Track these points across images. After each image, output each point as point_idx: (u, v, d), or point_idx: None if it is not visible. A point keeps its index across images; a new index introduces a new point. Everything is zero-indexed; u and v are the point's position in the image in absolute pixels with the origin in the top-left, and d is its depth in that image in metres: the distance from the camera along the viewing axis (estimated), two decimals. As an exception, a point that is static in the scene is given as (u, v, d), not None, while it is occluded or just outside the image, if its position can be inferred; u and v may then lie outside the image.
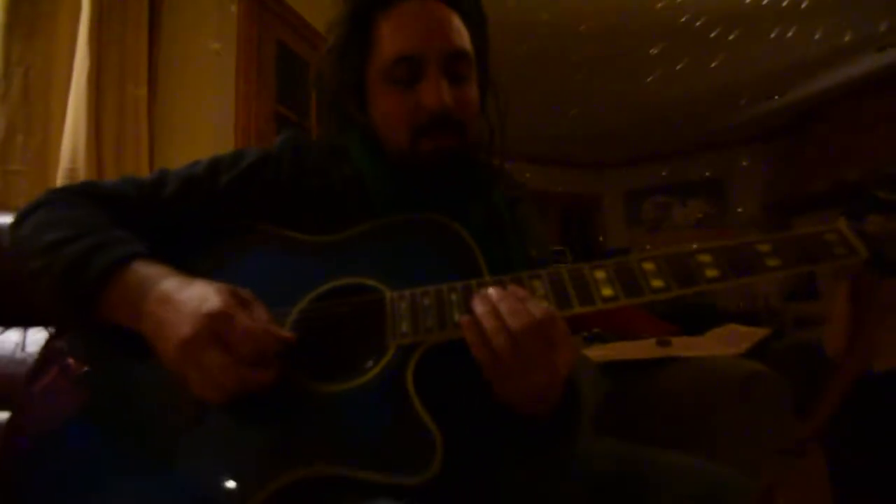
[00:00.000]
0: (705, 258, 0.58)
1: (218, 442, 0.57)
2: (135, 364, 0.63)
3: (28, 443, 0.62)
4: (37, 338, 1.05)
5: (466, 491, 0.63)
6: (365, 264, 0.67)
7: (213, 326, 0.54)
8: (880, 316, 0.53)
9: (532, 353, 0.54)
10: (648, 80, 4.31)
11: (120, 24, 1.73)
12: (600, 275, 0.59)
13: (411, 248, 0.68)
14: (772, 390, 1.08)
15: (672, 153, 6.06)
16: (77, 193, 0.70)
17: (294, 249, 0.71)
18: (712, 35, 3.69)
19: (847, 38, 3.80)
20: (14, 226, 0.67)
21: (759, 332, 1.47)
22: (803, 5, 3.38)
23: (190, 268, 0.63)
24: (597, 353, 1.40)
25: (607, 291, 0.58)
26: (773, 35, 3.71)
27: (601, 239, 6.24)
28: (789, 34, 3.70)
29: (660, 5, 3.34)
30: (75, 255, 0.60)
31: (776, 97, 4.80)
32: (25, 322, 1.06)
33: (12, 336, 1.04)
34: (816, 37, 3.74)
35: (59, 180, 1.51)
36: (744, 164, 5.83)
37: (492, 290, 0.57)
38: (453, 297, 0.60)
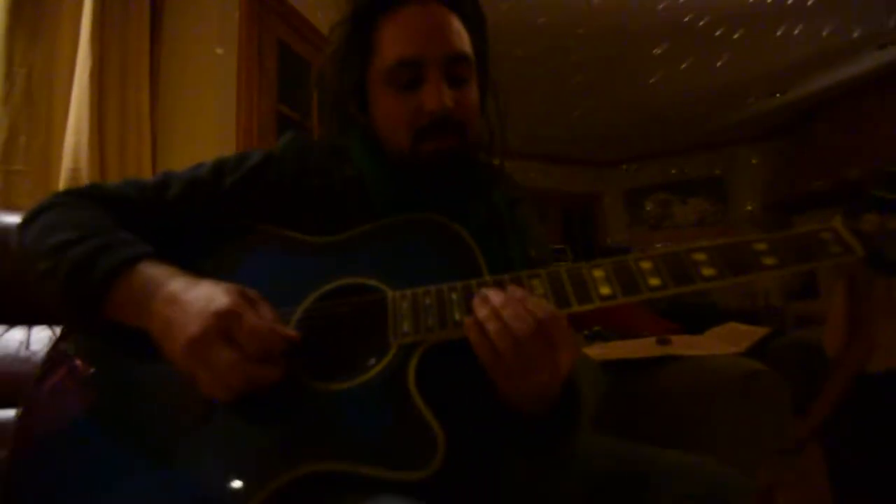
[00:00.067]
0: (702, 257, 0.58)
1: (223, 440, 0.58)
2: (141, 364, 0.64)
3: (36, 443, 0.63)
4: (41, 336, 1.06)
5: (467, 488, 0.63)
6: (367, 264, 0.67)
7: (221, 325, 0.55)
8: (875, 315, 0.54)
9: (534, 354, 0.55)
10: (652, 80, 4.30)
11: (122, 25, 1.74)
12: (598, 274, 0.60)
13: (412, 248, 0.69)
14: (771, 389, 1.09)
15: (673, 151, 6.06)
16: (83, 196, 0.71)
17: (297, 250, 0.71)
18: (717, 34, 3.68)
19: (856, 35, 3.77)
20: (21, 228, 0.68)
21: (758, 331, 1.48)
22: (809, 2, 3.36)
23: (194, 269, 0.64)
24: (597, 351, 1.41)
25: (605, 290, 0.59)
26: (779, 33, 3.69)
27: (609, 241, 6.22)
28: (796, 31, 3.67)
29: (662, 6, 3.34)
30: (81, 257, 0.61)
31: (777, 95, 4.79)
32: (29, 321, 1.07)
33: (16, 334, 1.05)
34: (824, 33, 3.72)
35: (62, 180, 1.52)
36: (744, 162, 5.83)
37: (494, 295, 0.57)
38: (453, 296, 0.61)
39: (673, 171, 6.16)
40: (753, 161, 5.78)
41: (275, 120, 2.42)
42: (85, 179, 1.52)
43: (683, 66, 4.12)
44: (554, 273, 0.61)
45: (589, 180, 6.44)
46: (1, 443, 0.70)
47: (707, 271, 0.57)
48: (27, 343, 1.04)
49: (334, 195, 0.74)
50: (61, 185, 1.51)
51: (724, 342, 1.42)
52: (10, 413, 0.96)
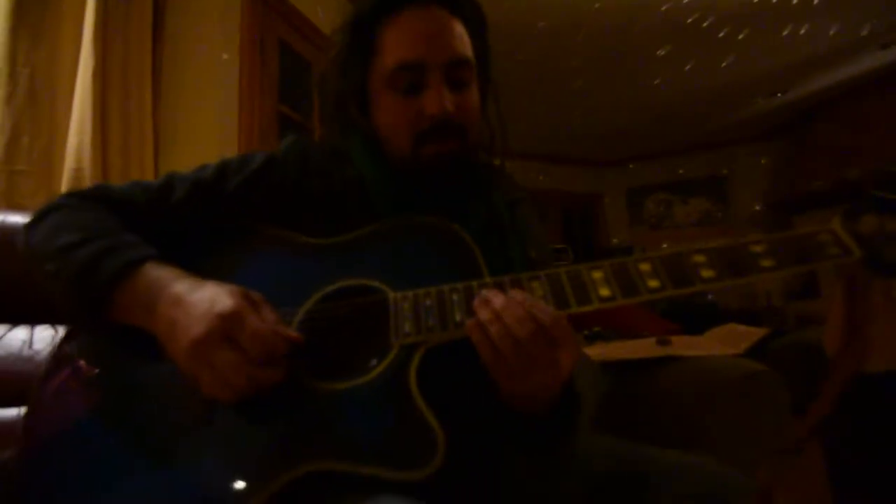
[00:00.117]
0: (701, 259, 0.59)
1: (225, 440, 0.59)
2: (144, 365, 0.65)
3: (41, 443, 0.63)
4: (43, 335, 1.06)
5: (467, 488, 0.64)
6: (368, 266, 0.68)
7: (225, 327, 0.56)
8: (873, 316, 0.54)
9: (536, 355, 0.55)
10: (655, 81, 4.30)
11: (124, 25, 1.74)
12: (598, 275, 0.60)
13: (413, 249, 0.69)
14: (770, 390, 1.09)
15: (674, 151, 6.06)
16: (88, 198, 0.71)
17: (299, 251, 0.72)
18: (721, 35, 3.67)
19: (864, 33, 3.74)
20: (27, 230, 0.69)
21: (758, 332, 1.48)
22: (815, 1, 3.35)
23: (198, 270, 0.64)
24: (597, 351, 1.41)
25: (604, 291, 0.59)
26: (785, 33, 3.67)
27: (616, 241, 6.21)
28: (802, 31, 3.66)
29: (665, 7, 3.33)
30: (87, 259, 0.62)
31: (779, 94, 4.78)
32: (32, 320, 1.07)
33: (19, 333, 1.06)
34: (831, 32, 3.70)
35: (65, 180, 1.52)
36: (745, 162, 5.82)
37: (495, 297, 0.58)
38: (454, 297, 0.61)
39: (675, 171, 6.16)
40: (754, 161, 5.78)
41: (276, 120, 2.43)
42: (88, 179, 1.53)
43: (687, 67, 4.11)
44: (553, 275, 0.61)
45: (589, 180, 6.44)
46: (4, 441, 0.71)
47: (706, 273, 0.58)
48: (30, 342, 1.04)
49: (335, 197, 0.75)
50: (64, 184, 1.52)
51: (723, 343, 1.42)
52: (12, 412, 0.97)
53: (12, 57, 1.47)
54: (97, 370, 0.66)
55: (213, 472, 0.57)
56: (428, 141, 0.71)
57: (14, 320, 1.07)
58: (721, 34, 3.67)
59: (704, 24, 3.54)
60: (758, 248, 0.59)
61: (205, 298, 0.58)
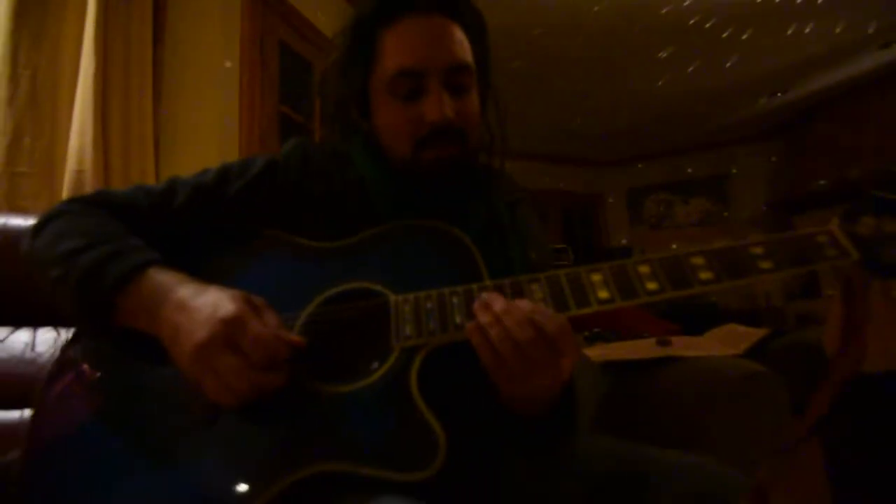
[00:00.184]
0: (699, 261, 0.59)
1: (229, 443, 0.59)
2: (147, 369, 0.65)
3: (46, 446, 0.64)
4: (46, 338, 1.06)
5: (468, 489, 0.64)
6: (369, 269, 0.68)
7: (227, 332, 0.56)
8: (870, 317, 0.54)
9: (537, 358, 0.56)
10: (659, 83, 4.29)
11: (125, 26, 1.75)
12: (597, 278, 0.60)
13: (414, 252, 0.70)
14: (770, 391, 1.09)
15: (674, 151, 6.06)
16: (92, 203, 0.72)
17: (301, 255, 0.72)
18: (724, 35, 3.66)
19: (871, 31, 3.73)
20: (32, 235, 0.69)
21: (757, 333, 1.49)
22: (819, 0, 3.34)
23: (200, 274, 0.65)
24: (597, 352, 1.42)
25: (603, 294, 0.59)
26: (790, 32, 3.66)
27: (624, 242, 6.20)
28: (807, 30, 3.65)
29: (666, 10, 3.33)
30: (92, 264, 0.62)
31: (779, 94, 4.78)
32: (35, 322, 1.07)
33: (22, 336, 1.06)
34: (837, 30, 3.68)
35: (66, 182, 1.52)
36: (745, 162, 5.82)
37: (496, 301, 0.58)
38: (455, 300, 0.62)
39: (676, 171, 6.16)
40: (754, 161, 5.78)
41: (277, 121, 2.43)
42: (89, 181, 1.53)
43: (690, 68, 4.10)
44: (553, 277, 0.61)
45: (589, 180, 6.44)
46: (7, 443, 0.71)
47: (704, 275, 0.58)
48: (32, 345, 1.04)
49: (336, 198, 0.75)
50: (66, 186, 1.52)
51: (723, 344, 1.42)
52: (15, 414, 0.97)
53: (13, 58, 1.48)
54: (99, 373, 0.67)
55: (216, 474, 0.57)
56: (428, 146, 0.71)
57: (16, 323, 1.07)
58: (724, 34, 3.66)
59: (707, 25, 3.53)
60: (756, 250, 0.59)
61: (208, 303, 0.59)
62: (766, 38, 3.75)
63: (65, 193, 1.52)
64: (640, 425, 1.16)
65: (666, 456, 0.69)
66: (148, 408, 0.64)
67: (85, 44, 1.60)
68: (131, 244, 0.66)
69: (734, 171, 5.87)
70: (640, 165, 6.31)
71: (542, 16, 3.40)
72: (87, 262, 0.62)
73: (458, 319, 0.60)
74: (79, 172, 1.53)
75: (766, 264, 0.58)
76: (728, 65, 4.11)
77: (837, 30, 3.69)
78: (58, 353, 0.71)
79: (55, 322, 1.06)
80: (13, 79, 1.47)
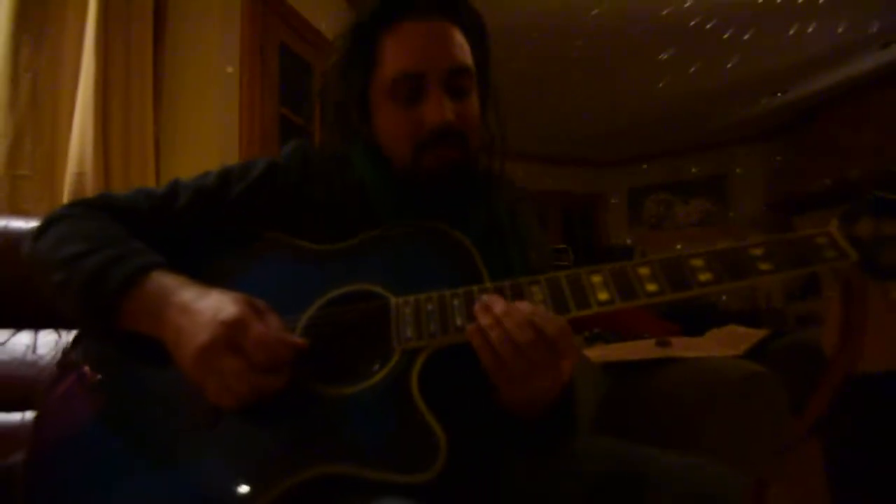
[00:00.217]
0: (699, 262, 0.59)
1: (230, 445, 0.59)
2: (149, 371, 0.66)
3: (48, 448, 0.64)
4: (47, 340, 1.06)
5: (468, 490, 0.64)
6: (370, 272, 0.69)
7: (229, 334, 0.57)
8: (868, 318, 0.54)
9: (537, 360, 0.56)
10: (660, 85, 4.29)
11: (125, 29, 1.75)
12: (597, 279, 0.61)
13: (415, 255, 0.70)
14: (769, 391, 1.09)
15: (674, 151, 6.06)
16: (93, 206, 0.72)
17: (302, 258, 0.73)
18: (725, 36, 3.66)
19: (873, 30, 3.71)
20: (34, 238, 0.69)
21: (757, 334, 1.49)
22: (821, 0, 3.33)
23: (202, 277, 0.65)
24: (597, 353, 1.42)
25: (603, 295, 0.59)
26: (791, 32, 3.65)
27: (629, 242, 6.20)
28: (809, 30, 3.64)
29: (666, 11, 3.33)
30: (95, 267, 0.63)
31: (779, 94, 4.78)
32: (36, 324, 1.08)
33: (23, 338, 1.06)
34: (839, 30, 3.67)
35: (67, 185, 1.53)
36: (745, 162, 5.82)
37: (496, 303, 0.58)
38: (455, 302, 0.62)
39: (676, 171, 6.16)
40: (754, 161, 5.78)
41: (277, 123, 2.44)
42: (90, 183, 1.53)
43: (692, 69, 4.09)
44: (553, 279, 0.62)
45: (589, 180, 6.44)
46: (9, 445, 0.71)
47: (704, 276, 0.58)
48: (34, 347, 1.05)
49: (336, 201, 0.75)
50: (66, 189, 1.53)
51: (723, 345, 1.42)
52: (16, 416, 0.97)
53: (14, 61, 1.48)
54: (100, 376, 0.67)
55: (217, 476, 0.58)
56: (428, 150, 0.71)
57: (18, 325, 1.07)
58: (725, 35, 3.66)
59: (708, 26, 3.53)
60: (755, 252, 0.59)
61: (210, 306, 0.59)
62: (767, 38, 3.75)
63: (65, 196, 1.52)
64: (639, 426, 1.16)
65: (666, 456, 0.69)
66: (150, 410, 0.64)
67: (85, 47, 1.61)
68: (134, 248, 0.66)
69: (731, 171, 5.87)
70: (639, 166, 6.31)
71: (543, 18, 3.41)
72: (90, 267, 0.63)
73: (458, 321, 0.60)
74: (79, 175, 1.53)
75: (765, 266, 0.58)
76: (729, 65, 4.10)
77: (839, 30, 3.68)
78: (59, 355, 0.71)
79: (56, 324, 1.06)
80: (14, 81, 1.48)
